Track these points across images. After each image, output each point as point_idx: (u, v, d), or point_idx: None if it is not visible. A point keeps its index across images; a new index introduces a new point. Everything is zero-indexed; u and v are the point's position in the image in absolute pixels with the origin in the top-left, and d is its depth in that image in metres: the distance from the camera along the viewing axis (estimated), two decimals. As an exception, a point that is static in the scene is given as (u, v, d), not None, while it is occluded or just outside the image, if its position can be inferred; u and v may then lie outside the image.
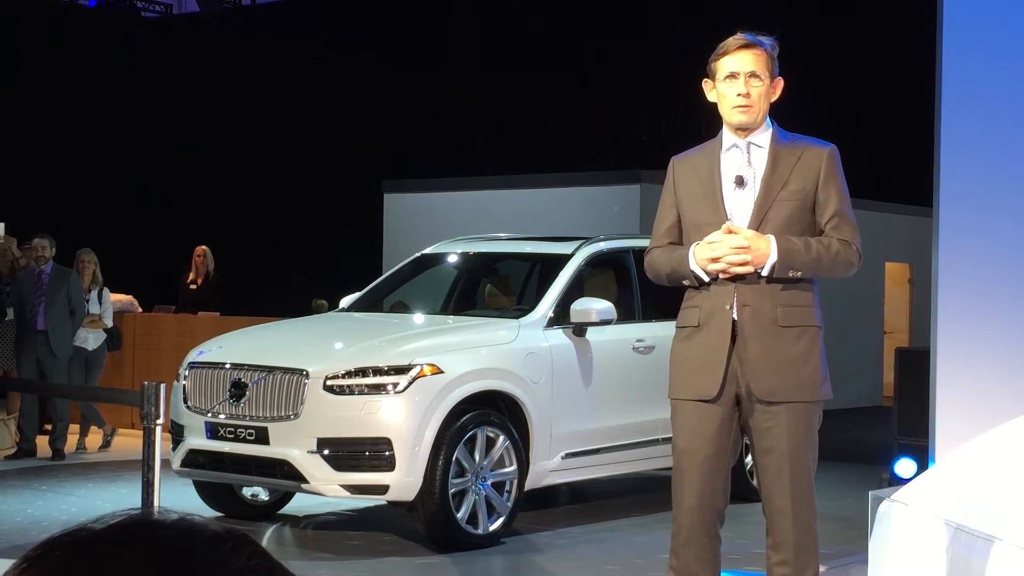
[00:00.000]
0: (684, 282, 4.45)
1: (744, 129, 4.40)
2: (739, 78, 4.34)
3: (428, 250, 9.28)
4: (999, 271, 5.91)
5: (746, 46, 4.36)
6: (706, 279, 4.37)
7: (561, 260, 8.34)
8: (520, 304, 8.64)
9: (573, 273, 8.23)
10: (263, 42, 19.08)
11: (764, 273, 4.28)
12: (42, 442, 11.28)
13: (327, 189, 18.62)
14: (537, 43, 17.32)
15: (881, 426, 12.28)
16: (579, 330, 7.94)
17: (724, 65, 4.37)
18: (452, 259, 9.23)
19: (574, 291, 8.14)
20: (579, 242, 8.55)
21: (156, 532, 1.03)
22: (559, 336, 7.91)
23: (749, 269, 4.28)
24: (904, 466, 7.61)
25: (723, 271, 4.32)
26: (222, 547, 1.03)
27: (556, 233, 10.20)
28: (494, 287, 9.17)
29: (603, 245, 8.60)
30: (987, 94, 5.99)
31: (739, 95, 4.34)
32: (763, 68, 4.36)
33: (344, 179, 18.38)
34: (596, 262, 8.55)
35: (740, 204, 4.39)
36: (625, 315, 8.30)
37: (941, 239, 6.06)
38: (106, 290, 11.37)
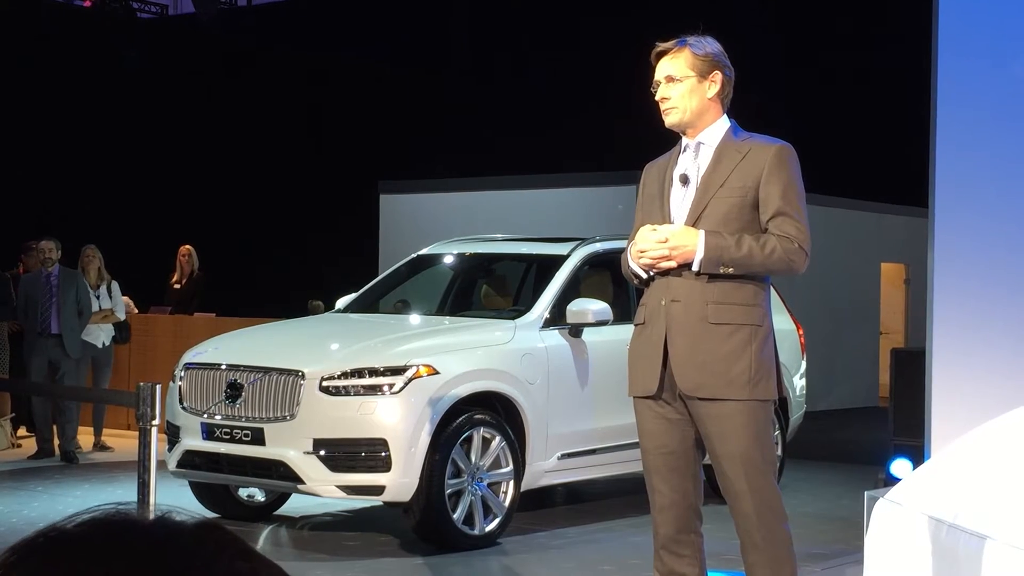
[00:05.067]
0: (635, 280, 4.52)
1: (686, 130, 4.46)
2: (659, 86, 4.43)
3: (424, 251, 9.28)
4: (995, 271, 5.92)
5: (660, 53, 4.46)
6: (644, 276, 4.43)
7: (557, 261, 8.35)
8: (516, 305, 8.65)
9: (569, 274, 8.24)
10: (259, 43, 19.06)
11: (693, 269, 4.29)
12: (29, 442, 11.31)
13: (324, 190, 18.62)
14: (534, 42, 17.31)
15: (877, 426, 12.29)
16: (575, 331, 7.94)
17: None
18: (448, 260, 9.23)
19: (570, 292, 8.14)
20: (575, 243, 8.55)
21: (135, 532, 0.99)
22: (555, 337, 7.92)
23: (672, 264, 4.30)
24: (900, 466, 7.62)
25: (650, 267, 4.36)
26: (204, 548, 0.99)
27: (553, 234, 10.20)
28: (490, 288, 9.17)
29: (599, 246, 8.60)
30: (982, 93, 6.00)
31: (659, 100, 4.43)
32: (681, 68, 4.40)
33: (340, 180, 18.38)
34: (592, 263, 8.55)
35: (682, 202, 4.44)
36: (621, 316, 8.29)
37: (937, 239, 6.06)
38: (115, 284, 11.40)
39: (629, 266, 4.48)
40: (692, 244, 4.26)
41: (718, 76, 4.42)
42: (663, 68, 4.43)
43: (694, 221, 4.35)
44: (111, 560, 0.97)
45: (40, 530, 1.00)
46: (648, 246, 4.32)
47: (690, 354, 4.31)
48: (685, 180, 4.43)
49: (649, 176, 4.63)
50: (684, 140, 4.51)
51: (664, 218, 4.42)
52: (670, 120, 4.44)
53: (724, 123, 4.47)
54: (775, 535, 4.35)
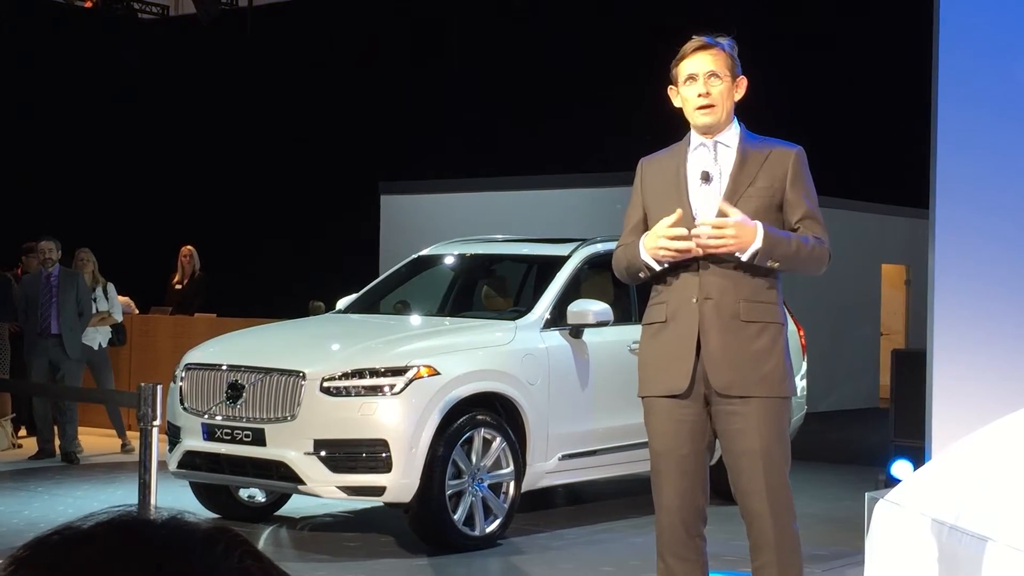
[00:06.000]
0: (640, 275, 4.51)
1: (710, 130, 4.45)
2: (698, 79, 4.41)
3: (425, 251, 9.28)
4: (996, 272, 5.92)
5: (703, 47, 4.43)
6: (657, 268, 4.41)
7: (558, 262, 8.34)
8: (517, 306, 8.65)
9: (570, 275, 8.23)
10: (260, 43, 19.05)
11: (744, 259, 4.28)
12: (29, 443, 11.33)
13: (324, 191, 18.62)
14: (535, 43, 17.30)
15: (877, 427, 12.29)
16: (576, 332, 7.94)
17: (684, 69, 4.45)
18: (449, 260, 9.23)
19: (571, 293, 8.14)
20: (576, 244, 8.55)
21: (148, 532, 1.01)
22: (556, 338, 7.92)
23: (726, 251, 4.27)
24: (900, 467, 7.62)
25: (672, 258, 4.32)
26: (215, 547, 1.01)
27: (553, 234, 10.20)
28: (491, 289, 9.17)
29: (600, 247, 8.59)
30: (983, 94, 6.00)
31: (700, 95, 4.40)
32: (722, 68, 4.41)
33: (341, 181, 18.38)
34: (593, 264, 8.54)
35: (705, 199, 4.42)
36: (622, 317, 8.30)
37: (937, 240, 6.06)
38: (111, 286, 11.41)
39: (641, 259, 4.41)
40: (752, 235, 4.25)
41: (743, 81, 4.48)
42: (704, 63, 4.40)
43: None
44: (123, 558, 0.99)
45: (54, 528, 1.02)
46: (704, 232, 4.24)
47: (723, 352, 4.32)
48: (707, 178, 4.42)
49: (650, 172, 4.60)
50: (697, 138, 4.49)
51: (688, 215, 4.40)
52: (707, 120, 4.41)
53: (736, 125, 4.51)
54: (787, 534, 4.36)
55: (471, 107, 17.75)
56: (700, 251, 4.31)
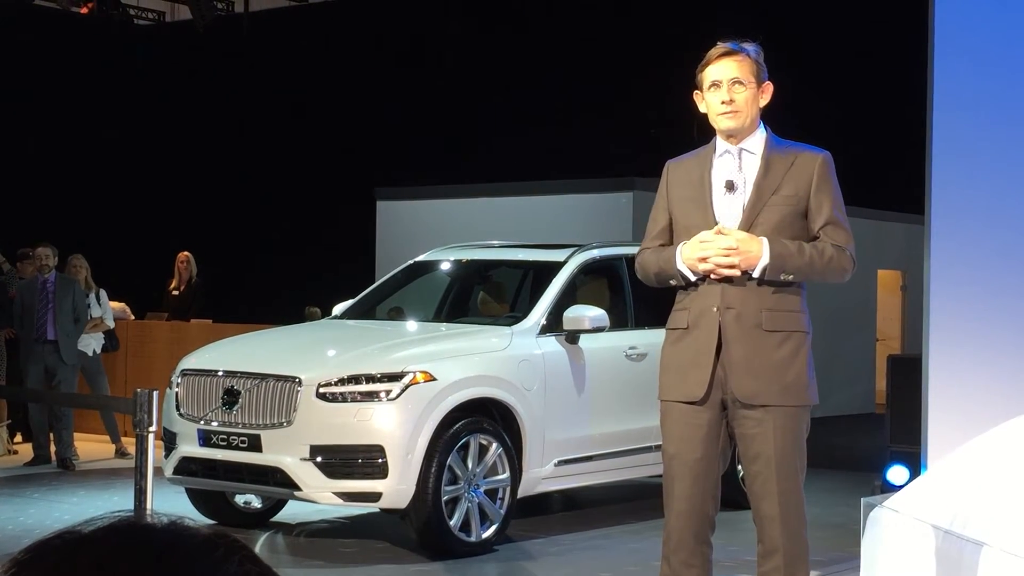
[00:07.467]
0: (671, 282, 4.52)
1: (735, 135, 4.44)
2: (722, 86, 4.42)
3: (421, 257, 9.29)
4: (991, 278, 5.92)
5: (727, 54, 4.44)
6: (693, 278, 4.42)
7: (554, 267, 8.35)
8: (513, 311, 8.65)
9: (566, 280, 8.24)
10: (256, 49, 19.06)
11: (755, 275, 4.30)
12: (25, 449, 11.31)
13: (321, 196, 18.62)
14: (532, 48, 17.30)
15: (873, 433, 12.29)
16: (572, 337, 7.94)
17: (708, 75, 4.45)
18: (445, 266, 9.23)
19: (567, 298, 8.14)
20: (572, 249, 8.56)
21: (148, 536, 1.02)
22: (552, 343, 7.92)
23: (736, 272, 4.31)
24: (896, 473, 7.62)
25: (711, 271, 4.35)
26: (214, 552, 1.02)
27: (549, 240, 10.20)
28: (487, 294, 9.18)
29: (596, 252, 8.60)
30: (979, 100, 6.01)
31: (723, 102, 4.41)
32: (747, 74, 4.42)
33: (338, 186, 18.38)
34: (589, 269, 8.55)
35: (730, 208, 4.44)
36: (618, 322, 8.31)
37: (933, 246, 6.06)
38: (103, 292, 11.42)
39: (676, 267, 4.42)
40: (757, 251, 4.28)
41: (769, 87, 4.49)
42: (728, 70, 4.41)
43: (747, 228, 4.37)
44: (124, 561, 0.99)
45: (56, 532, 1.03)
46: (711, 252, 4.31)
47: (746, 361, 4.33)
48: (732, 186, 4.43)
49: (676, 176, 4.60)
50: (722, 144, 4.50)
51: (708, 224, 4.42)
52: (731, 124, 4.41)
53: (763, 131, 4.51)
54: (796, 540, 4.37)
55: (467, 112, 17.76)
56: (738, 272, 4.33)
